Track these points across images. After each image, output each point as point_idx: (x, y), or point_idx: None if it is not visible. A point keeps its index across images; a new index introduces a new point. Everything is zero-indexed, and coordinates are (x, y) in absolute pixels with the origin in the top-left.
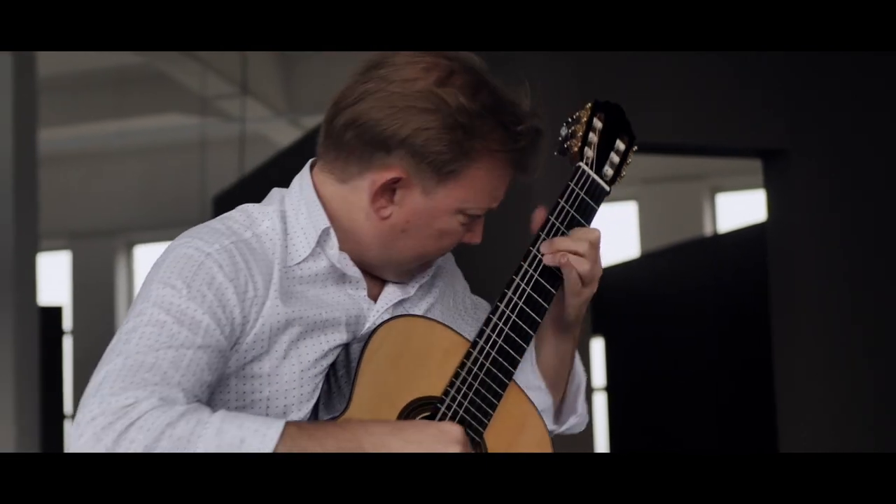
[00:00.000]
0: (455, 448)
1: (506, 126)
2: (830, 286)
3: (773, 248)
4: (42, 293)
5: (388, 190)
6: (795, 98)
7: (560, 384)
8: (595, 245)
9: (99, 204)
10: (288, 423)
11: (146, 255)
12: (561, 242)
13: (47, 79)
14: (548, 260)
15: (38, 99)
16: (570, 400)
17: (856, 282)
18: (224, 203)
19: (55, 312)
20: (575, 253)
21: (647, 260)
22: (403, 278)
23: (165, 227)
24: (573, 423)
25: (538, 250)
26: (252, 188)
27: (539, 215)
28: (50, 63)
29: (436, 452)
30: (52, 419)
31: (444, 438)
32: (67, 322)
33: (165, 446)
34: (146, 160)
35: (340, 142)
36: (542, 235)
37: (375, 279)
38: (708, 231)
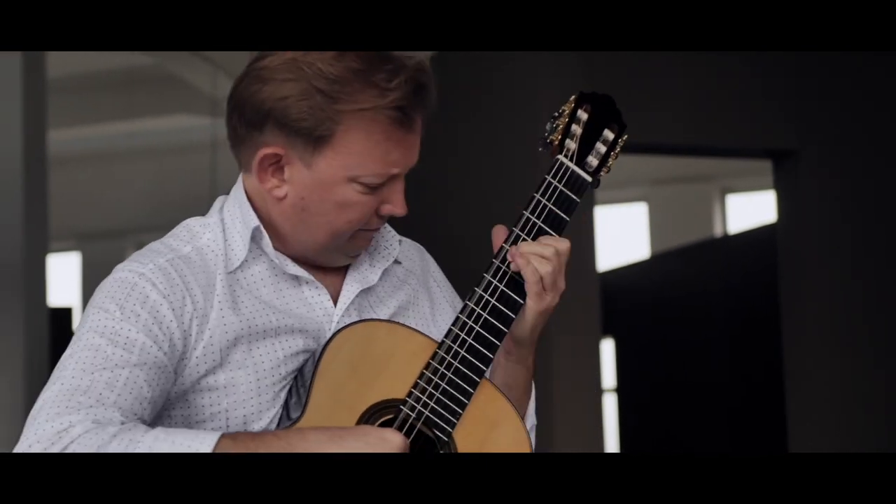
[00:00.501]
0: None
1: (375, 84)
2: (840, 286)
3: (783, 248)
4: (51, 294)
5: (275, 168)
6: (805, 99)
7: None
8: (561, 253)
9: (108, 205)
10: (222, 436)
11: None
12: (526, 246)
13: (57, 80)
14: (513, 263)
15: (47, 100)
16: None
17: (866, 282)
18: None
19: (64, 314)
20: (539, 256)
21: (657, 261)
22: (347, 260)
23: (175, 227)
24: None
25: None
26: None
27: (499, 233)
28: (59, 64)
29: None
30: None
31: (383, 446)
32: (77, 323)
33: None
34: (156, 161)
35: (232, 132)
36: (516, 231)
37: (332, 273)
38: (718, 232)
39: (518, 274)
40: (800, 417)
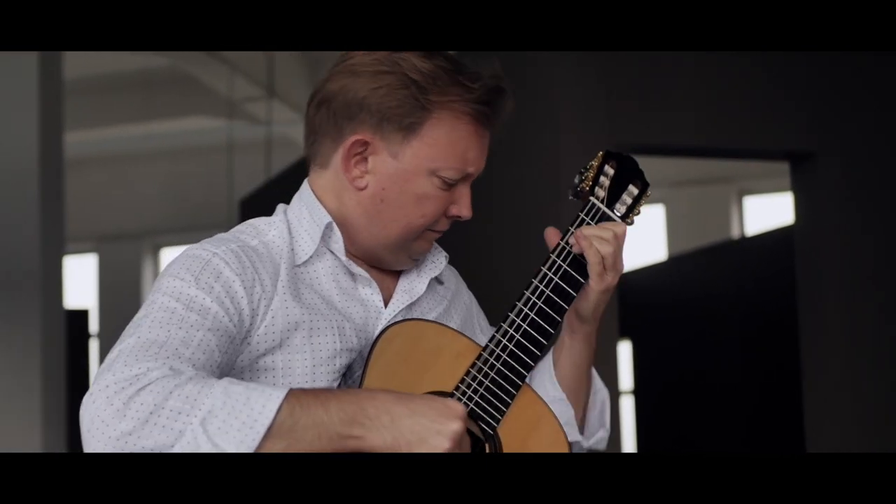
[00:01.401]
0: (456, 424)
1: (462, 83)
2: (858, 288)
3: (801, 250)
4: (69, 296)
5: (360, 158)
6: (823, 101)
7: (580, 395)
8: (619, 236)
9: (125, 207)
10: (293, 388)
11: (172, 258)
12: (587, 228)
13: (73, 81)
14: (574, 243)
15: (63, 102)
16: (595, 412)
17: (883, 284)
18: (251, 206)
19: (82, 315)
20: (600, 238)
21: (675, 263)
22: (407, 263)
23: (192, 230)
24: (601, 437)
25: (550, 264)
26: (278, 191)
27: (551, 234)
28: (76, 66)
29: (437, 429)
30: (78, 421)
31: (446, 412)
32: (94, 325)
33: (173, 405)
34: (173, 163)
35: (315, 126)
36: (553, 258)
37: (386, 277)
38: (735, 234)
39: (581, 255)
40: (816, 420)
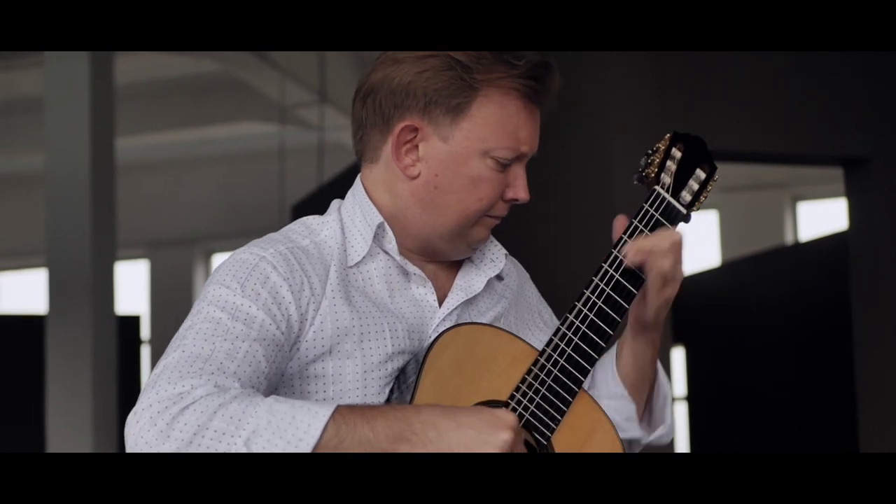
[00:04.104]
0: (506, 434)
1: (506, 60)
2: None
3: (855, 256)
4: (120, 302)
5: (411, 146)
6: (877, 105)
7: (642, 392)
8: (677, 245)
9: (177, 212)
10: (339, 405)
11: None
12: (644, 242)
13: (125, 87)
14: (630, 258)
15: (115, 108)
16: (657, 408)
17: None
18: (302, 211)
19: (133, 321)
20: (657, 251)
21: (728, 269)
22: (466, 252)
23: (243, 235)
24: (661, 433)
25: (612, 261)
26: (330, 196)
27: (619, 222)
28: (127, 72)
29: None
30: None
31: (496, 423)
32: (145, 331)
33: (217, 425)
34: (224, 168)
35: (362, 120)
36: (614, 252)
37: (442, 274)
38: (789, 240)
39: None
40: (871, 426)
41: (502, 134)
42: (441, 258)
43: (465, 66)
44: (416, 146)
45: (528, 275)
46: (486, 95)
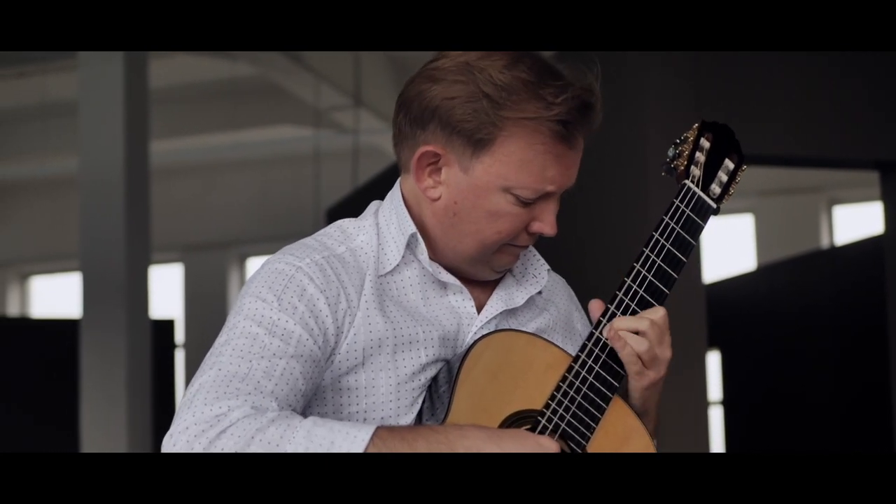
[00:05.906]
0: None
1: (542, 97)
2: None
3: (891, 259)
4: (154, 306)
5: (433, 169)
6: None
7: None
8: (657, 324)
9: (211, 216)
10: (379, 427)
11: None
12: (620, 322)
13: (159, 91)
14: (606, 333)
15: (150, 111)
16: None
17: None
18: (337, 215)
19: (167, 325)
20: (634, 332)
21: (764, 272)
22: (491, 275)
23: (278, 239)
24: None
25: (643, 260)
26: (365, 200)
27: (595, 307)
28: (161, 75)
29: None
30: (163, 432)
31: (537, 449)
32: (180, 335)
33: (255, 450)
34: (259, 172)
35: (396, 130)
36: (646, 251)
37: (479, 287)
38: (825, 243)
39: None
40: None
41: (525, 173)
42: (469, 278)
43: (492, 100)
44: (440, 169)
45: (577, 301)
46: (510, 134)
